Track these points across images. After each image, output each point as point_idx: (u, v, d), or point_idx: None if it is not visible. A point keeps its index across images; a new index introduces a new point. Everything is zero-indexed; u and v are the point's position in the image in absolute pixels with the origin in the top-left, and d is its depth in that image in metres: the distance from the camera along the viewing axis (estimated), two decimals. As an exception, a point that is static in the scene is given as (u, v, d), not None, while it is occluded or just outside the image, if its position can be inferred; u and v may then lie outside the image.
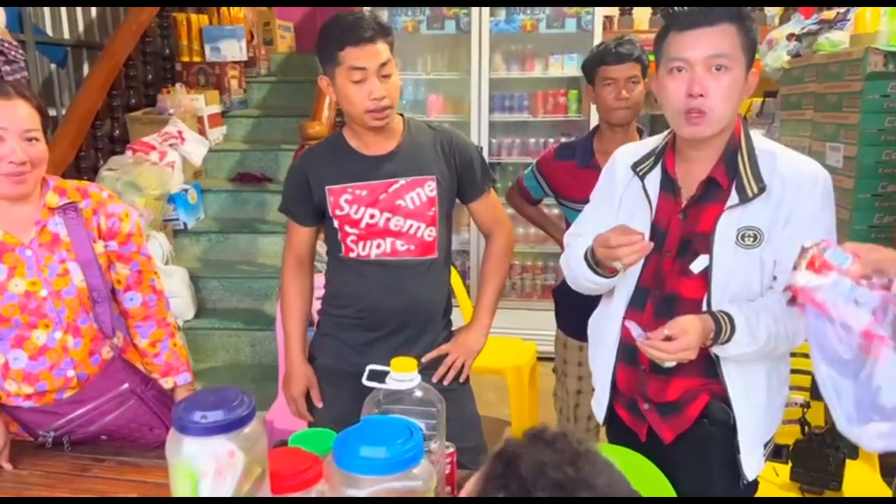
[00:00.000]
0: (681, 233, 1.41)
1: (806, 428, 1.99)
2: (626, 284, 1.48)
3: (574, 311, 2.34)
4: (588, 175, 2.19)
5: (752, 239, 1.34)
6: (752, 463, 1.44)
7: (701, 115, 1.32)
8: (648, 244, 1.31)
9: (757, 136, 1.43)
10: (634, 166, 1.48)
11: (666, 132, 1.49)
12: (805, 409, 1.99)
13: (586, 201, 2.18)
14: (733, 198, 1.35)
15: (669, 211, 1.43)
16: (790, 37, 3.10)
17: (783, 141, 3.09)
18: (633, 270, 1.46)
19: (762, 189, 1.33)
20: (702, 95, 1.30)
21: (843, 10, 2.83)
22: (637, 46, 2.15)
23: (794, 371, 2.18)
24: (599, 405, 1.59)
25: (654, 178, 1.45)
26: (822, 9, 3.76)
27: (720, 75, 1.30)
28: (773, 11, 4.65)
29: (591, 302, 1.68)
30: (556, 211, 2.46)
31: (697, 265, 1.38)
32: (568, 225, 2.34)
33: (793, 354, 2.21)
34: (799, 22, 3.18)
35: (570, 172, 2.24)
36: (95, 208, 1.58)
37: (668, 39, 1.36)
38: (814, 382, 1.94)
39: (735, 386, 1.41)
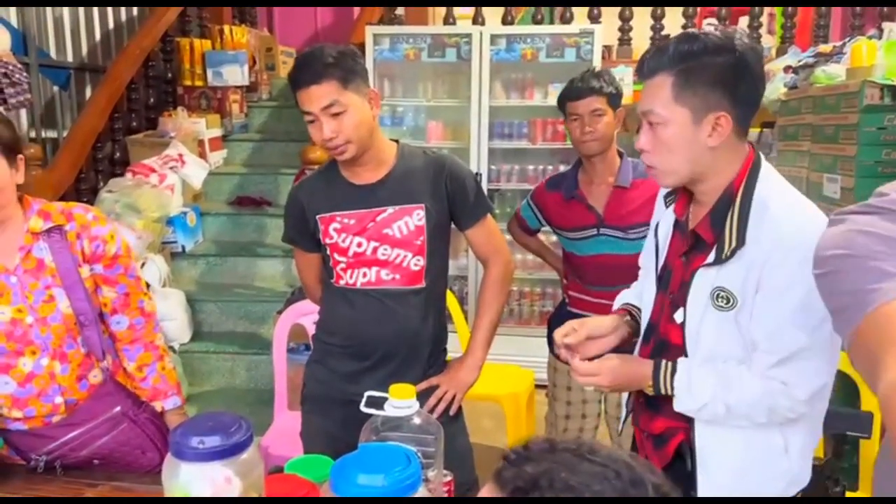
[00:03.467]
0: (680, 276, 1.36)
1: (805, 460, 1.97)
2: (644, 316, 1.47)
3: None
4: (574, 206, 2.25)
5: (725, 301, 1.25)
6: None
7: (651, 169, 1.31)
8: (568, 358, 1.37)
9: (767, 180, 1.28)
10: (665, 196, 1.46)
11: None
12: (804, 441, 1.97)
13: (575, 230, 2.23)
14: (711, 255, 1.27)
15: (677, 251, 1.39)
16: (787, 69, 3.14)
17: (781, 171, 3.11)
18: (648, 304, 1.45)
19: (734, 251, 1.23)
20: (644, 151, 1.29)
21: (839, 43, 2.87)
22: (603, 78, 2.17)
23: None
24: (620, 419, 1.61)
25: (669, 216, 1.43)
26: (818, 42, 3.82)
27: (654, 130, 1.26)
28: (769, 43, 4.71)
29: None
30: (553, 238, 2.50)
31: (679, 315, 1.34)
32: (564, 252, 2.38)
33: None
34: (796, 54, 3.22)
35: (558, 203, 2.31)
36: (79, 232, 1.56)
37: None
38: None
39: (703, 440, 1.33)
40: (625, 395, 1.57)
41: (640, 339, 1.46)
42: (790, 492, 1.33)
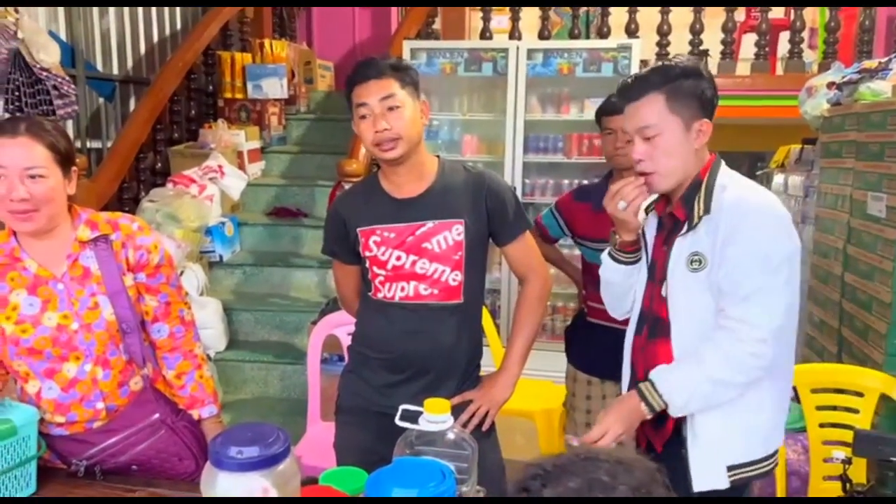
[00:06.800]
0: (664, 261, 1.56)
1: (848, 485, 1.92)
2: (635, 312, 1.65)
3: (583, 344, 2.43)
4: (603, 218, 2.23)
5: (698, 263, 1.47)
6: (707, 477, 1.49)
7: (650, 176, 1.50)
8: (638, 179, 1.51)
9: (727, 173, 1.53)
10: (646, 208, 1.64)
11: None
12: (847, 466, 1.92)
13: (604, 240, 2.24)
14: (684, 226, 1.50)
15: (659, 244, 1.59)
16: (830, 85, 3.08)
17: (824, 189, 3.06)
18: (640, 297, 1.62)
19: (701, 218, 1.46)
20: (641, 160, 1.49)
21: (885, 59, 2.81)
22: None
23: (836, 425, 2.13)
24: None
25: (651, 218, 1.64)
26: (862, 58, 3.75)
27: (651, 142, 1.48)
28: (810, 58, 4.64)
29: (599, 338, 1.78)
30: (573, 252, 2.50)
31: (664, 289, 1.53)
32: (584, 263, 2.39)
33: (834, 407, 2.16)
34: (839, 70, 3.16)
35: (587, 214, 2.31)
36: (125, 241, 1.59)
37: None
38: (856, 438, 1.89)
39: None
40: None
41: (633, 332, 1.64)
42: (769, 449, 1.52)
